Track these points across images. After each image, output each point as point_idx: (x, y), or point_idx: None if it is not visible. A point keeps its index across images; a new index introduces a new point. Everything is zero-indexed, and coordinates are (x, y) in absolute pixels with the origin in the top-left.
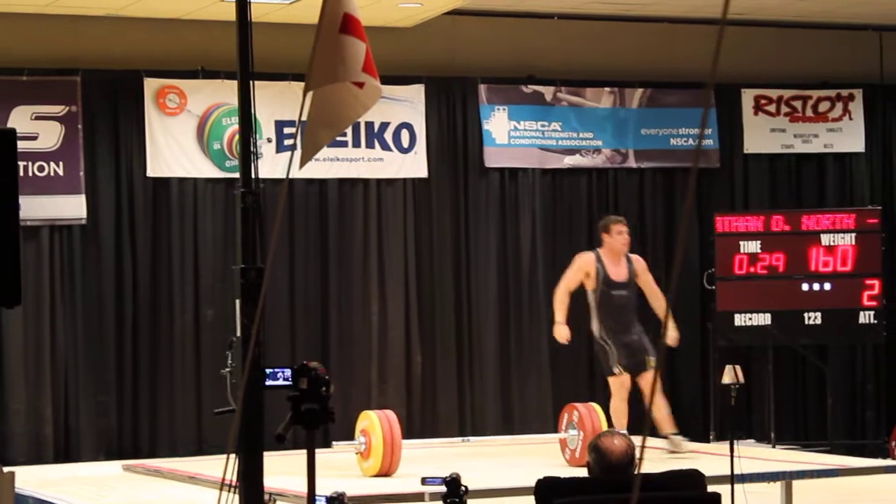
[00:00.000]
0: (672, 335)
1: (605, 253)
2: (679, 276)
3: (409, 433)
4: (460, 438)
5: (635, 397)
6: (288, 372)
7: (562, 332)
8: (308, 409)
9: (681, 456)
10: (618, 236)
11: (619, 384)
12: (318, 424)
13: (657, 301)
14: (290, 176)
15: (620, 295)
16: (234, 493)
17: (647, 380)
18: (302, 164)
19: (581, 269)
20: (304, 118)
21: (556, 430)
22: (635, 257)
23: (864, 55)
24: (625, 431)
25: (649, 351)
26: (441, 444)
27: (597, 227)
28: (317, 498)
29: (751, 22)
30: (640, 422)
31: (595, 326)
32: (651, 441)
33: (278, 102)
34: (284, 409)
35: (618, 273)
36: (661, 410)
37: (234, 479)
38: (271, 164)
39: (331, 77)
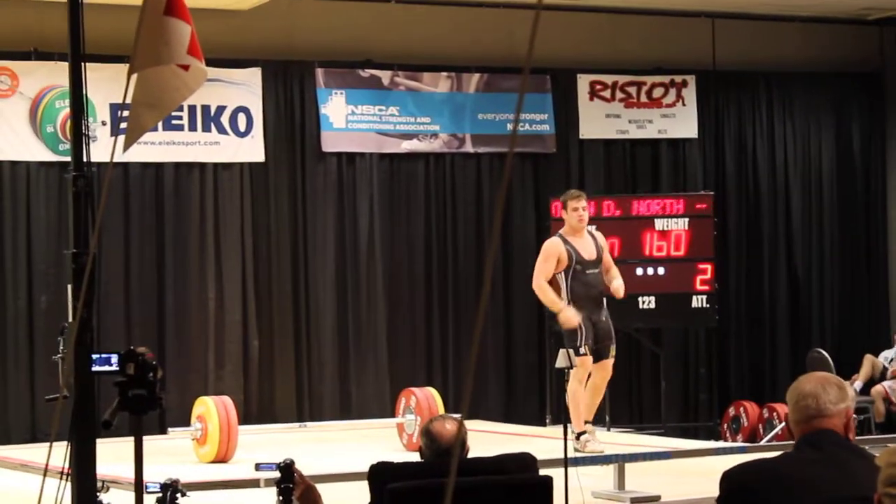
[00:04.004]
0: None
1: (567, 232)
2: (493, 261)
3: (246, 419)
4: (298, 424)
5: None
6: (116, 357)
7: (570, 315)
8: (135, 394)
9: (583, 453)
10: (573, 213)
11: (582, 365)
12: (145, 410)
13: (612, 276)
14: (124, 160)
15: (592, 273)
16: (67, 480)
17: (604, 367)
18: (126, 146)
19: (551, 256)
20: (129, 101)
21: (393, 414)
22: (597, 233)
23: (696, 42)
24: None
25: (612, 338)
26: (279, 430)
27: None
28: (150, 485)
29: (586, 8)
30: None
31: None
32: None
33: (113, 85)
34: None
35: (588, 251)
36: (596, 401)
37: (67, 466)
38: (106, 148)
39: (155, 59)
